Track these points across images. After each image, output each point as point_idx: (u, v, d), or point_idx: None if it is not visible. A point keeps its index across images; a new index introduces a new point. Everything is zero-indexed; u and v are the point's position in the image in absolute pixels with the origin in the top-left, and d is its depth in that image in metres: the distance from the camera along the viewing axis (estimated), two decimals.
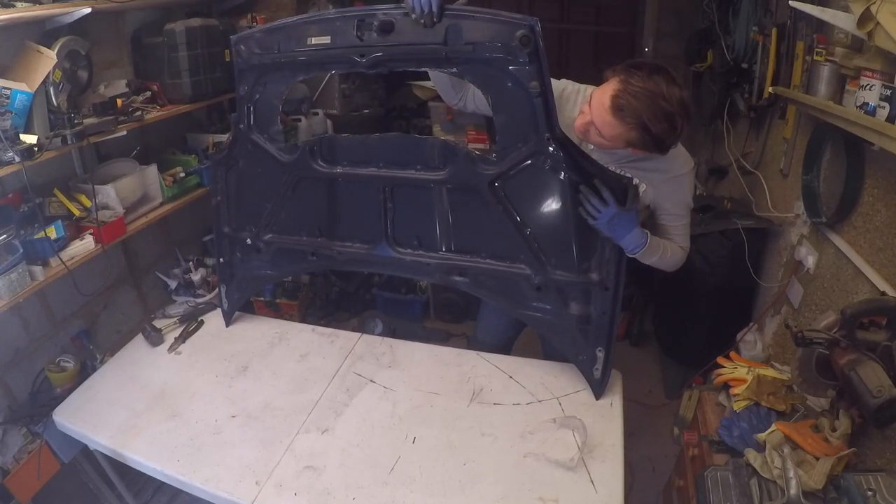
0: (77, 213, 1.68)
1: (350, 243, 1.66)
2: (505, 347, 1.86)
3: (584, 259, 1.42)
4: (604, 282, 1.42)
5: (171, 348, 1.77)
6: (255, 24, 2.40)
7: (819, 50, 1.62)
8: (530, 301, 1.52)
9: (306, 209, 1.66)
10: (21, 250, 1.47)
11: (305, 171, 1.57)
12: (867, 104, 1.26)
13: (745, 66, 2.29)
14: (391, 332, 2.61)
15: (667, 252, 1.42)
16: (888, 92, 1.20)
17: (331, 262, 1.71)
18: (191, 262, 2.34)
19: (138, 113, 1.81)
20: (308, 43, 1.39)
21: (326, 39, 1.37)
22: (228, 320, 1.88)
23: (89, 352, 1.93)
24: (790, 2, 1.61)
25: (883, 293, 1.24)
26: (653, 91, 1.21)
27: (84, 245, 1.67)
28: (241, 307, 1.92)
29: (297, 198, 1.64)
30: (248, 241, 1.73)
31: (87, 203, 1.71)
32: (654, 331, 2.74)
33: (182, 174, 2.09)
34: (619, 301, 1.43)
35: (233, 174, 1.69)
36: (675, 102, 1.22)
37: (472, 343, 1.92)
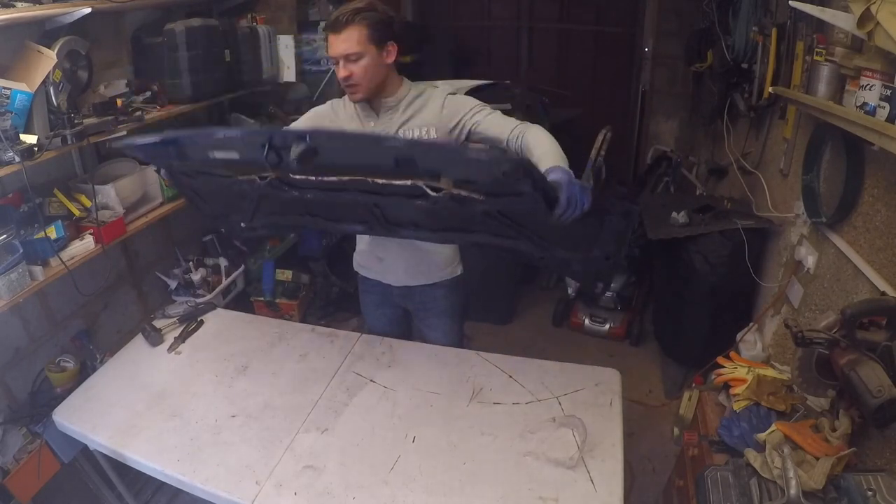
0: (77, 213, 1.68)
1: (346, 225, 1.58)
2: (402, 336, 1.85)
3: (588, 245, 1.36)
4: (606, 254, 1.36)
5: (171, 348, 1.77)
6: (255, 23, 2.40)
7: (819, 50, 1.62)
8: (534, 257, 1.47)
9: (292, 203, 1.49)
10: (21, 250, 1.47)
11: (272, 192, 1.39)
12: (867, 104, 1.26)
13: (745, 66, 2.29)
14: None
15: (545, 144, 1.30)
16: (888, 92, 1.20)
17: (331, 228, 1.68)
18: (191, 262, 2.34)
19: (138, 113, 1.81)
20: (211, 156, 1.19)
21: (234, 155, 1.16)
22: None
23: (89, 352, 1.93)
24: (790, 2, 1.61)
25: (883, 293, 1.23)
26: (336, 10, 1.36)
27: (84, 245, 1.67)
28: (240, 308, 1.92)
29: (278, 196, 1.46)
30: (242, 224, 1.66)
31: (87, 203, 1.71)
32: (654, 331, 2.74)
33: None
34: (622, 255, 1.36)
35: (198, 180, 1.51)
36: None
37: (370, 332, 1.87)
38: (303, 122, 1.57)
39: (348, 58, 1.35)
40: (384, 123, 1.46)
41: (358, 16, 1.33)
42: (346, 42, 1.34)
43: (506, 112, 2.52)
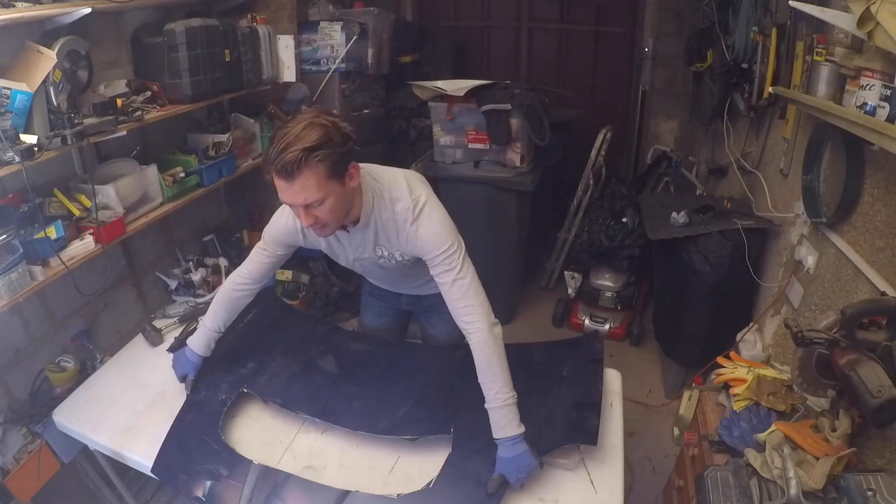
0: (77, 213, 1.68)
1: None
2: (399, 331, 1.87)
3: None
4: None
5: (171, 348, 1.76)
6: (255, 23, 2.40)
7: (819, 50, 1.62)
8: None
9: None
10: (21, 250, 1.47)
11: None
12: (867, 104, 1.26)
13: (745, 66, 2.30)
14: None
15: (497, 370, 1.28)
16: (888, 92, 1.20)
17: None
18: (191, 262, 2.34)
19: (138, 113, 1.81)
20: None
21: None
22: None
23: (89, 352, 1.93)
24: (790, 2, 1.61)
25: (883, 293, 1.24)
26: (277, 143, 1.12)
27: (84, 245, 1.67)
28: None
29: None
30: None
31: (87, 203, 1.70)
32: (654, 331, 2.74)
33: (182, 174, 2.08)
34: None
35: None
36: (296, 123, 1.14)
37: (363, 331, 1.89)
38: (272, 242, 1.45)
39: (310, 206, 1.17)
40: (356, 239, 1.38)
41: (312, 157, 1.10)
42: (304, 192, 1.13)
43: (505, 113, 2.55)
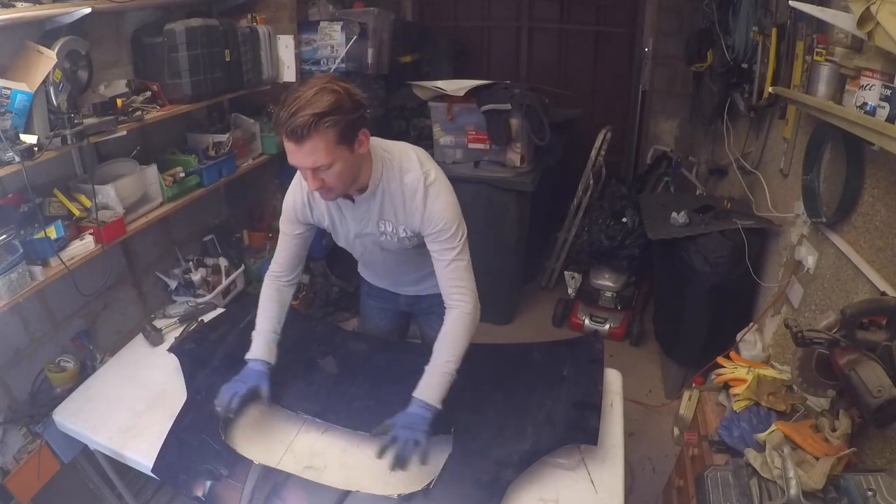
0: (77, 213, 1.68)
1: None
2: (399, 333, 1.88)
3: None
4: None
5: (171, 348, 1.76)
6: (255, 23, 2.40)
7: (819, 50, 1.62)
8: None
9: None
10: (21, 250, 1.47)
11: None
12: (867, 104, 1.26)
13: (745, 66, 2.30)
14: None
15: (459, 344, 1.31)
16: (888, 92, 1.20)
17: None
18: (191, 262, 2.34)
19: (138, 113, 1.81)
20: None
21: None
22: None
23: (89, 352, 1.93)
24: (790, 2, 1.61)
25: (883, 293, 1.24)
26: (288, 106, 1.11)
27: (84, 245, 1.67)
28: None
29: None
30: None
31: (87, 203, 1.70)
32: (654, 331, 2.75)
33: (182, 174, 2.09)
34: None
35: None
36: (308, 87, 1.14)
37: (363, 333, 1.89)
38: (286, 222, 1.45)
39: (317, 170, 1.17)
40: (361, 210, 1.37)
41: (322, 122, 1.10)
42: (312, 155, 1.14)
43: (505, 113, 2.55)
